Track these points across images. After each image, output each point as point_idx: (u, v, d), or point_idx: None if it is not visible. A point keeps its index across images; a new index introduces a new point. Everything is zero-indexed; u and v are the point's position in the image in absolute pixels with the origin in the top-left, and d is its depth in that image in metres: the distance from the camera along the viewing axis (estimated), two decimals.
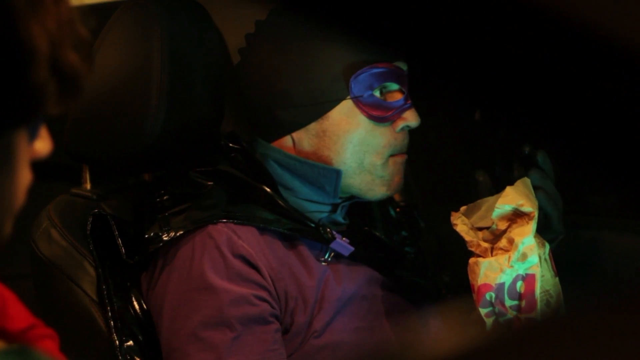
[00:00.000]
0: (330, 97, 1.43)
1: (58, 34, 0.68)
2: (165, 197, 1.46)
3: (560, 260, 1.67)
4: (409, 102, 1.46)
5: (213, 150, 1.52)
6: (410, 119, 1.46)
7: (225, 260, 1.37)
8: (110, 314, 1.40)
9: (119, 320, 1.41)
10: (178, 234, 1.39)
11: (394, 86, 1.45)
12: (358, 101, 1.43)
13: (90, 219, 1.45)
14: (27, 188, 0.74)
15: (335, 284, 1.44)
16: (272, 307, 1.39)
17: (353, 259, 1.49)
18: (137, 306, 1.44)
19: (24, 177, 0.73)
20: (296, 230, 1.43)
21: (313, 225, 1.45)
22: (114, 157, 1.50)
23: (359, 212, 1.57)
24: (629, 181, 0.64)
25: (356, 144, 1.44)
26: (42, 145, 0.74)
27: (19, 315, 0.87)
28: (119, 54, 1.45)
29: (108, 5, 1.70)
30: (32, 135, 0.72)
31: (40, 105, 0.69)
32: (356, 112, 1.43)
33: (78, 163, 1.57)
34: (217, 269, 1.37)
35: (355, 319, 1.44)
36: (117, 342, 1.39)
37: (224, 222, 1.40)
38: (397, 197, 1.74)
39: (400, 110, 1.45)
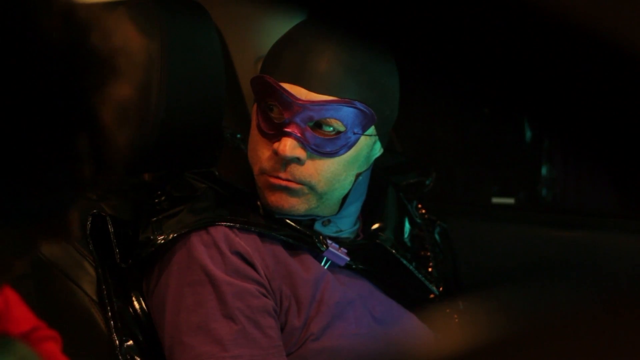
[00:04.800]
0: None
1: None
2: (162, 199, 1.46)
3: (560, 261, 1.67)
4: (289, 130, 1.37)
5: (214, 150, 1.52)
6: (280, 147, 1.37)
7: (223, 256, 1.38)
8: (110, 314, 1.40)
9: (119, 320, 1.41)
10: (170, 237, 1.39)
11: (278, 105, 1.39)
12: (257, 106, 1.43)
13: (90, 219, 1.45)
14: None
15: (334, 288, 1.44)
16: (272, 302, 1.39)
17: (356, 268, 1.50)
18: (137, 306, 1.44)
19: None
20: (289, 236, 1.43)
21: (307, 232, 1.45)
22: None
23: (375, 220, 1.56)
24: (629, 181, 0.64)
25: (251, 145, 1.45)
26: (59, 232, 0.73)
27: (23, 318, 0.87)
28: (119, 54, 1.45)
29: (108, 5, 1.70)
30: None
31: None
32: (254, 116, 1.44)
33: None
34: (216, 263, 1.38)
35: (355, 325, 1.44)
36: (117, 342, 1.39)
37: (221, 225, 1.40)
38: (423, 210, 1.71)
39: (278, 132, 1.39)
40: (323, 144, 1.39)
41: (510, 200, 2.28)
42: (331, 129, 1.39)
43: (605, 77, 0.57)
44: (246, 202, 1.45)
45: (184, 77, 1.47)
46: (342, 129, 1.39)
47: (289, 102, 1.37)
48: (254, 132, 1.43)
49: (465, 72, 0.60)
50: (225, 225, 1.40)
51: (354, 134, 1.40)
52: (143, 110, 1.44)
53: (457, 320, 1.60)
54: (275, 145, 1.39)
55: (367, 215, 1.56)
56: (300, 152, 1.38)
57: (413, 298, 1.56)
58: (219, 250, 1.38)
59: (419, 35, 0.58)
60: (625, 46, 0.55)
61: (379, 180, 1.59)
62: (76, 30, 0.69)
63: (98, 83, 0.71)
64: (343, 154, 1.40)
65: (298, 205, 1.42)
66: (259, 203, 1.45)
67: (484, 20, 0.56)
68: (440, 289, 1.60)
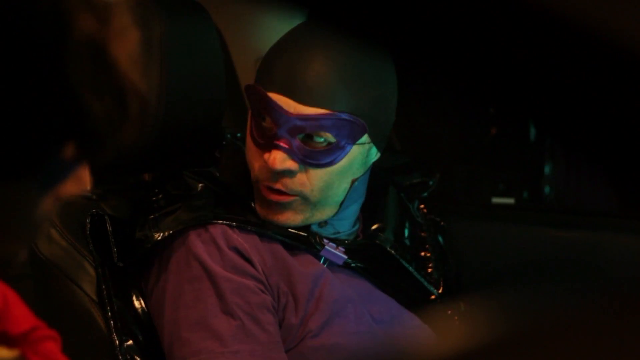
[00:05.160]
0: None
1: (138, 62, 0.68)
2: (160, 197, 1.47)
3: (560, 260, 1.66)
4: (279, 143, 1.36)
5: (214, 150, 1.53)
6: (270, 160, 1.36)
7: (221, 252, 1.38)
8: (110, 314, 1.41)
9: (119, 320, 1.41)
10: (166, 234, 1.40)
11: (269, 116, 1.38)
12: (252, 115, 1.43)
13: (89, 219, 1.45)
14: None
15: (333, 286, 1.44)
16: (271, 298, 1.40)
17: (355, 267, 1.50)
18: (137, 306, 1.44)
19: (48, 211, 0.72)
20: (286, 236, 1.43)
21: (304, 233, 1.45)
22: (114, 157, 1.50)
23: (375, 220, 1.56)
24: (629, 181, 0.64)
25: (247, 151, 1.44)
26: (72, 186, 0.73)
27: (22, 317, 0.87)
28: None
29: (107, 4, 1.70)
30: (57, 179, 0.71)
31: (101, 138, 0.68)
32: (249, 122, 1.43)
33: None
34: (215, 259, 1.38)
35: (354, 323, 1.44)
36: (117, 342, 1.39)
37: (219, 223, 1.41)
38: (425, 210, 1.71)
39: (269, 144, 1.38)
40: (314, 156, 1.38)
41: (511, 200, 2.27)
42: (322, 140, 1.38)
43: (607, 77, 0.57)
44: (243, 202, 1.45)
45: (184, 77, 1.47)
46: (332, 140, 1.38)
47: (278, 114, 1.37)
48: (248, 139, 1.43)
49: (466, 71, 0.60)
50: (223, 224, 1.40)
51: (346, 144, 1.39)
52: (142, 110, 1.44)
53: (457, 321, 1.59)
54: (266, 156, 1.38)
55: (367, 215, 1.56)
56: (290, 164, 1.37)
57: (413, 299, 1.56)
58: (217, 247, 1.39)
59: (420, 34, 0.58)
60: (627, 46, 0.55)
61: (380, 180, 1.59)
62: (77, 30, 0.69)
63: (97, 82, 0.71)
64: (336, 164, 1.39)
65: (293, 217, 1.41)
66: (256, 204, 1.45)
67: (486, 20, 0.56)
68: (440, 290, 1.60)
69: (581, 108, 0.59)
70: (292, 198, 1.39)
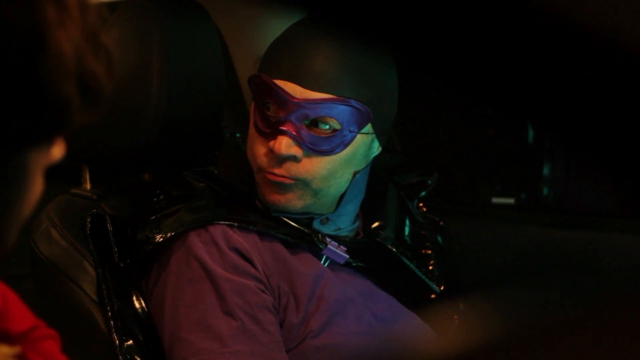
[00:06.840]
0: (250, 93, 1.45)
1: (83, 45, 0.67)
2: (161, 198, 1.47)
3: (560, 260, 1.66)
4: (285, 128, 1.37)
5: (214, 149, 1.53)
6: (276, 145, 1.38)
7: (221, 253, 1.38)
8: (110, 314, 1.41)
9: (119, 320, 1.41)
10: (168, 235, 1.40)
11: (274, 103, 1.39)
12: (254, 104, 1.43)
13: (89, 219, 1.45)
14: (39, 197, 0.73)
15: (334, 285, 1.44)
16: (271, 298, 1.40)
17: (356, 266, 1.50)
18: (137, 306, 1.44)
19: (38, 187, 0.72)
20: (288, 234, 1.44)
21: (306, 231, 1.45)
22: (114, 157, 1.50)
23: (375, 218, 1.56)
24: (629, 181, 0.64)
25: (249, 143, 1.45)
26: (58, 150, 0.73)
27: (22, 317, 0.87)
28: (119, 54, 1.45)
29: (108, 5, 1.70)
30: (50, 144, 0.72)
31: (65, 120, 0.68)
32: (252, 114, 1.44)
33: (78, 163, 1.57)
34: (215, 260, 1.38)
35: (355, 322, 1.44)
36: (117, 342, 1.39)
37: (220, 224, 1.41)
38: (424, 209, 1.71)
39: (274, 131, 1.39)
40: (319, 142, 1.39)
41: (511, 200, 2.28)
42: (327, 127, 1.39)
43: (606, 77, 0.57)
44: (245, 201, 1.45)
45: (184, 77, 1.47)
46: (338, 127, 1.39)
47: (284, 100, 1.37)
48: (252, 131, 1.44)
49: (466, 72, 0.60)
50: (224, 224, 1.41)
51: (350, 132, 1.40)
52: (143, 111, 1.44)
53: (457, 320, 1.60)
54: (271, 143, 1.39)
55: (367, 213, 1.56)
56: (296, 151, 1.38)
57: (413, 297, 1.56)
58: (217, 247, 1.39)
59: (420, 35, 0.58)
60: (626, 46, 0.55)
61: (379, 178, 1.59)
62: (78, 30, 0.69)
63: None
64: (339, 152, 1.40)
65: (294, 200, 1.42)
66: (257, 202, 1.45)
67: (486, 20, 0.56)
68: (442, 287, 1.60)
69: (580, 108, 0.59)
70: (293, 181, 1.40)
